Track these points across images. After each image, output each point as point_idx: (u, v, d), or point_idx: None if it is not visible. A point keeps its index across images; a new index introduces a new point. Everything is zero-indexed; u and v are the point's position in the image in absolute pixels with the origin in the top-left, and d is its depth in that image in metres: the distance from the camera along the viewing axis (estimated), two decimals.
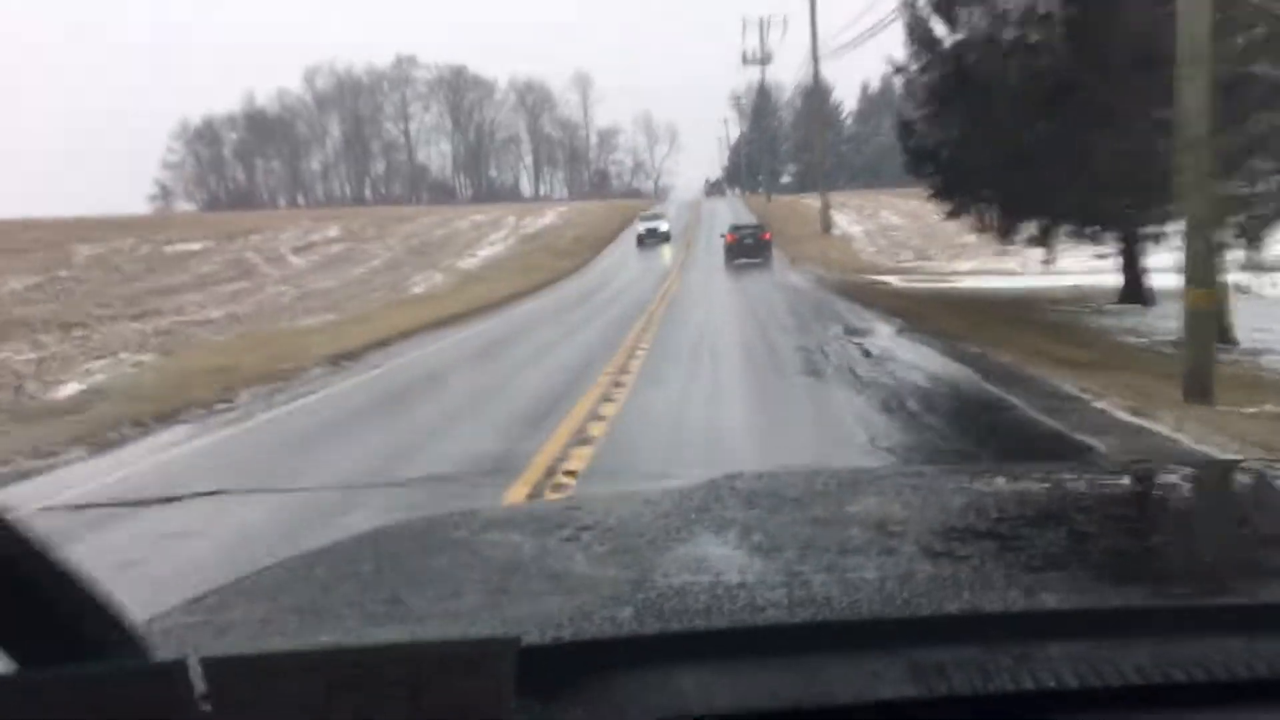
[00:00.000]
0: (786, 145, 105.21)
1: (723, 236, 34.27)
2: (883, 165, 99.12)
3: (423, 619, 0.98)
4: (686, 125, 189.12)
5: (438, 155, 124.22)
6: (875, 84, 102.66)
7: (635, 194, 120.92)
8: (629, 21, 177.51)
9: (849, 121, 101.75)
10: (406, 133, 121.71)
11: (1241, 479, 1.49)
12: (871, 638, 0.80)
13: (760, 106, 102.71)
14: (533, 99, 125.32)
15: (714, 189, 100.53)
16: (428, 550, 1.29)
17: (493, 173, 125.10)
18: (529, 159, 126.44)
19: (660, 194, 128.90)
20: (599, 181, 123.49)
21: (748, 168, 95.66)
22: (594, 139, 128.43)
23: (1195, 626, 0.78)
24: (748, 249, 32.24)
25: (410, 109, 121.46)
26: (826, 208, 40.20)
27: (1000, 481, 1.50)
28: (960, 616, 0.84)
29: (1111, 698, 0.75)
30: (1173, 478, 1.53)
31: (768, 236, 33.48)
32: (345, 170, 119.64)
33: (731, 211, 56.63)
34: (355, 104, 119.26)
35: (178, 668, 0.63)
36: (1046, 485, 1.45)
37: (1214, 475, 1.57)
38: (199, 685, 0.62)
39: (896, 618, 0.84)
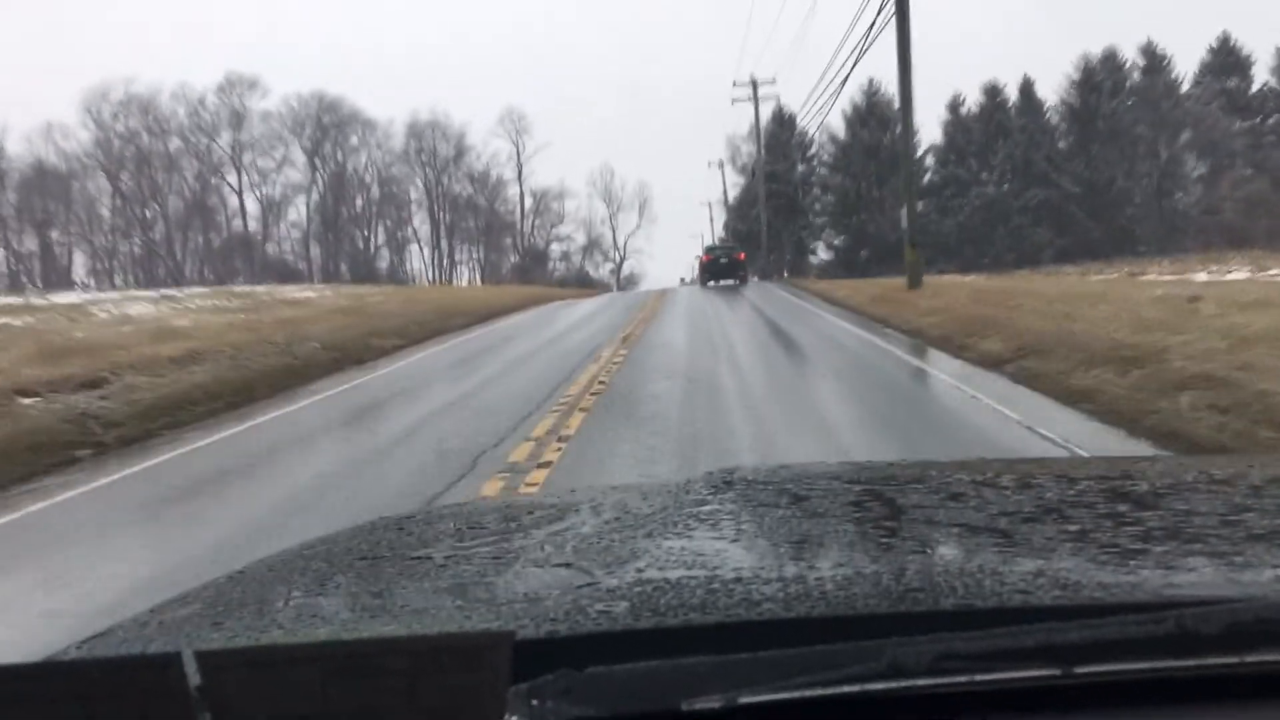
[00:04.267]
0: (820, 200, 64.54)
1: (698, 257, 39.76)
2: (998, 235, 58.33)
3: (418, 612, 0.98)
4: (666, 191, 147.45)
5: (295, 220, 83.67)
6: (973, 99, 62.08)
7: (585, 281, 79.81)
8: (580, 44, 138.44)
9: (929, 160, 61.39)
10: (240, 188, 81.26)
11: (1240, 474, 1.50)
12: (867, 632, 0.78)
13: (778, 141, 62.32)
14: (438, 144, 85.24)
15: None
16: (423, 543, 1.28)
17: (372, 244, 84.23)
18: (425, 226, 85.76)
19: (625, 284, 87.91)
20: (530, 263, 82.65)
21: (768, 238, 54.59)
22: (528, 201, 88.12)
23: (1191, 623, 0.77)
24: (723, 269, 34.73)
25: (247, 155, 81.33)
26: None
27: (997, 477, 1.50)
28: (955, 612, 0.85)
29: (1108, 693, 0.76)
30: (1170, 474, 1.54)
31: (742, 256, 36.99)
32: (139, 240, 78.55)
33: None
34: (166, 145, 79.04)
35: (172, 660, 0.62)
36: (1043, 480, 1.47)
37: (1213, 471, 1.54)
38: (193, 677, 0.62)
39: (891, 612, 0.85)
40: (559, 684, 0.72)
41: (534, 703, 0.71)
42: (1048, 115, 60.21)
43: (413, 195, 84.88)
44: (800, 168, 64.11)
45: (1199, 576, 0.97)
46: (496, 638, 0.69)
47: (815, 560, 1.02)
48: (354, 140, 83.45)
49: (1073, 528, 1.15)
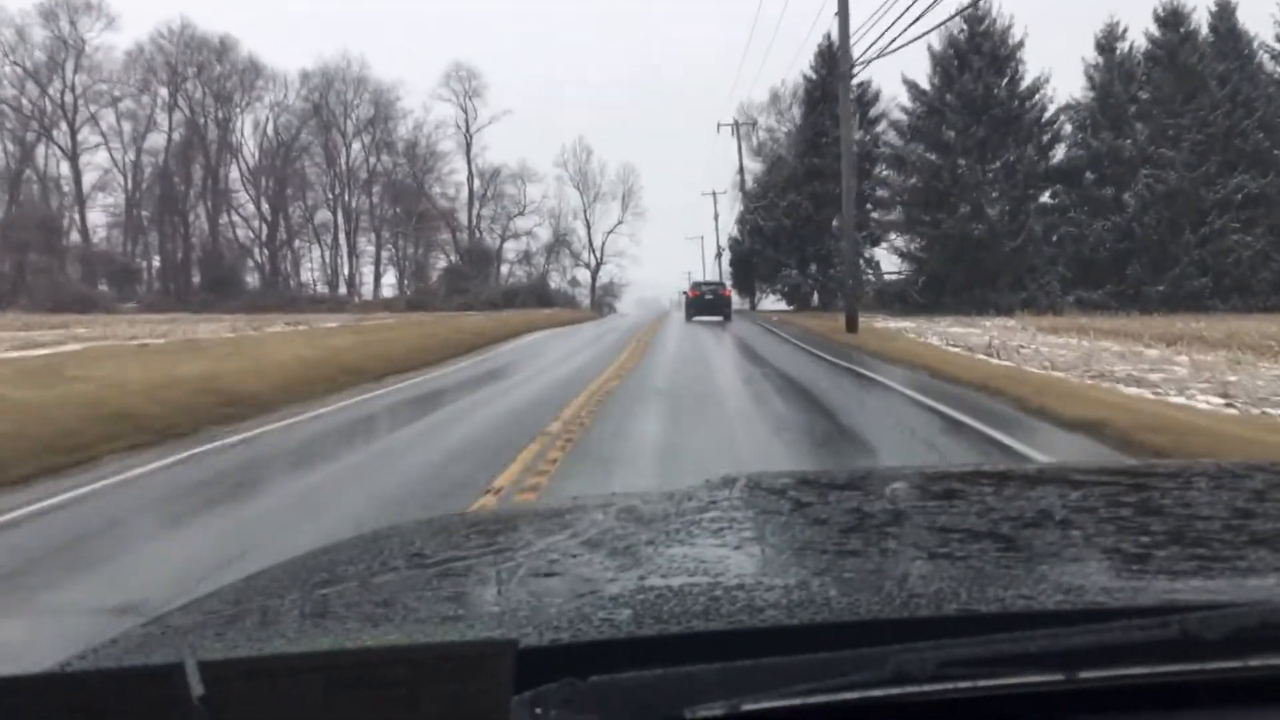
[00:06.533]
0: (886, 184, 42.93)
1: (683, 293, 37.96)
2: (1181, 244, 36.16)
3: (421, 621, 0.99)
4: (657, 178, 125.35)
5: (139, 200, 61.82)
6: (1137, 31, 40.56)
7: (542, 295, 58.03)
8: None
9: (1064, 127, 39.82)
10: (75, 153, 59.49)
11: (1242, 478, 1.50)
12: (870, 639, 0.79)
13: (822, 91, 40.62)
14: (356, 102, 63.53)
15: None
16: (426, 552, 1.29)
17: (259, 234, 62.49)
18: (338, 214, 63.89)
19: (600, 299, 65.89)
20: (471, 266, 60.82)
21: (846, 232, 32.99)
22: (476, 184, 66.30)
23: (1195, 628, 0.78)
24: (708, 305, 33.70)
25: (91, 107, 59.59)
26: None
27: (999, 482, 1.51)
28: (958, 617, 0.86)
29: (1112, 698, 0.77)
30: (1173, 478, 1.53)
31: (727, 293, 36.31)
32: None
33: None
34: None
35: (175, 670, 0.63)
36: (1045, 486, 1.49)
37: (1213, 475, 1.54)
38: (196, 687, 0.62)
39: (894, 619, 0.86)
40: (562, 693, 0.73)
41: (537, 711, 0.72)
42: (1258, 58, 38.59)
43: (311, 175, 63.00)
44: (859, 135, 42.32)
45: (1203, 581, 0.97)
46: (499, 646, 0.70)
47: (818, 566, 1.03)
48: (238, 97, 61.88)
49: (1075, 533, 1.17)
